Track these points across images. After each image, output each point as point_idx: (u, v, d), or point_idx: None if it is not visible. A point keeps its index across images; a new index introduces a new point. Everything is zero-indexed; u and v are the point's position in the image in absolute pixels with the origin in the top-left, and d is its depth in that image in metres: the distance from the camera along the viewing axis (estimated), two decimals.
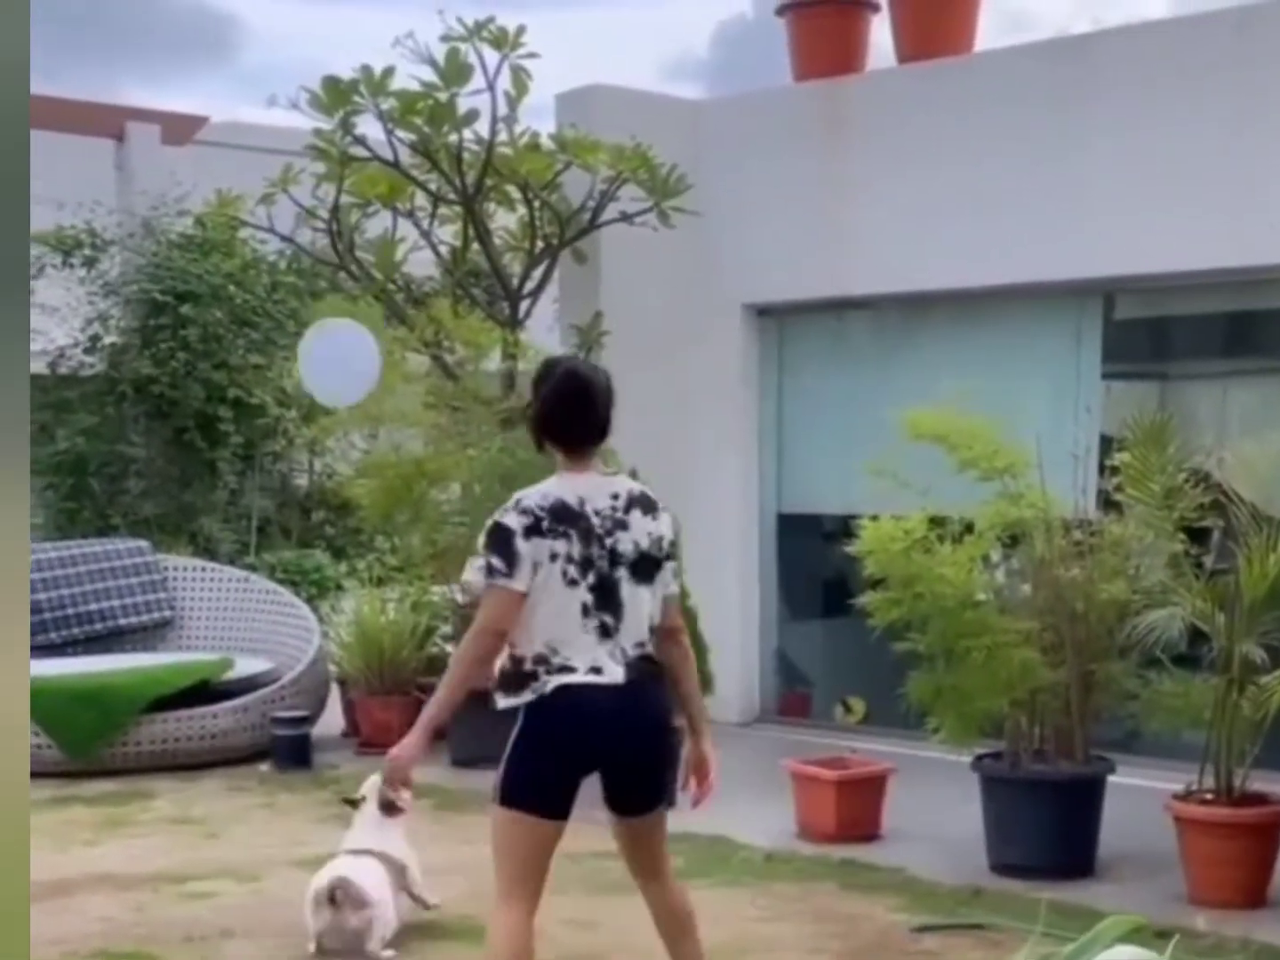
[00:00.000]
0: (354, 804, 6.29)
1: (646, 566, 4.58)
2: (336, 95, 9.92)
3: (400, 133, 10.02)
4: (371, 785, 6.23)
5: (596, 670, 4.48)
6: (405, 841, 6.28)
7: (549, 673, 4.46)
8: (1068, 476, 7.37)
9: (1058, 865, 6.82)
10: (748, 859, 7.16)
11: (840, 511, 9.20)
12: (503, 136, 10.04)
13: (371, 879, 6.00)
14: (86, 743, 9.23)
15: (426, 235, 10.76)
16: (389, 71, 9.82)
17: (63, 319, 15.00)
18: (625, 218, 10.09)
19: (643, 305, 10.37)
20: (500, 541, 4.46)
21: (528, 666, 4.48)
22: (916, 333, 10.04)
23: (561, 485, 4.56)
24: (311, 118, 10.00)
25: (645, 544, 4.57)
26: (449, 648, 10.30)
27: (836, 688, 10.52)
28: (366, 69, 9.83)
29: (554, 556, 4.45)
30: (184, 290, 14.56)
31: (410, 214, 10.71)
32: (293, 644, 10.27)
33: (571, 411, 4.58)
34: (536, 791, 4.50)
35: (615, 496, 4.58)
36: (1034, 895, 6.37)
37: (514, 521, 4.46)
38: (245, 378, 14.75)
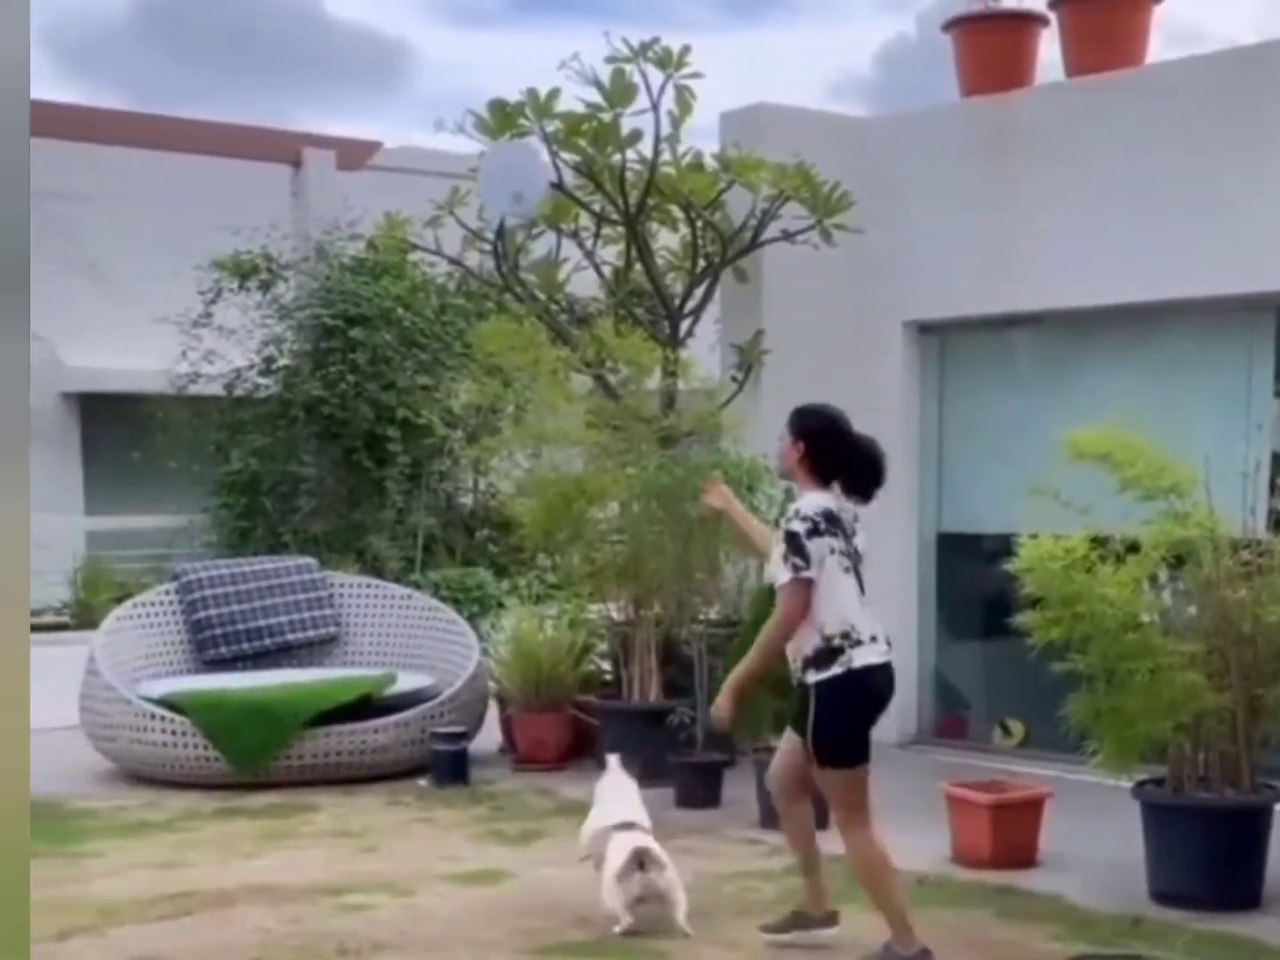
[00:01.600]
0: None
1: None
2: (502, 118, 10.04)
3: (565, 154, 10.10)
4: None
5: (877, 639, 5.72)
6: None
7: (851, 646, 5.63)
8: (1236, 495, 7.17)
9: (1221, 896, 6.60)
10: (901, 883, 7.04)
11: (1000, 530, 9.01)
12: (666, 156, 10.06)
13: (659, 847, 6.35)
14: (253, 755, 9.38)
15: (590, 255, 10.82)
16: (554, 93, 9.90)
17: (239, 341, 15.35)
18: (787, 236, 10.05)
19: (804, 323, 10.31)
20: (795, 544, 5.64)
21: (835, 643, 5.63)
22: (1081, 349, 9.84)
23: (824, 499, 5.82)
24: (478, 141, 10.14)
25: (863, 549, 5.91)
26: (605, 665, 10.33)
27: (995, 709, 10.34)
28: (532, 92, 9.93)
29: (832, 550, 5.71)
30: (354, 313, 14.80)
31: (574, 234, 10.78)
32: (453, 660, 10.35)
33: (862, 460, 5.94)
34: (856, 750, 5.71)
35: (846, 510, 5.87)
36: (1196, 926, 6.20)
37: (798, 527, 5.66)
38: (413, 399, 14.94)
